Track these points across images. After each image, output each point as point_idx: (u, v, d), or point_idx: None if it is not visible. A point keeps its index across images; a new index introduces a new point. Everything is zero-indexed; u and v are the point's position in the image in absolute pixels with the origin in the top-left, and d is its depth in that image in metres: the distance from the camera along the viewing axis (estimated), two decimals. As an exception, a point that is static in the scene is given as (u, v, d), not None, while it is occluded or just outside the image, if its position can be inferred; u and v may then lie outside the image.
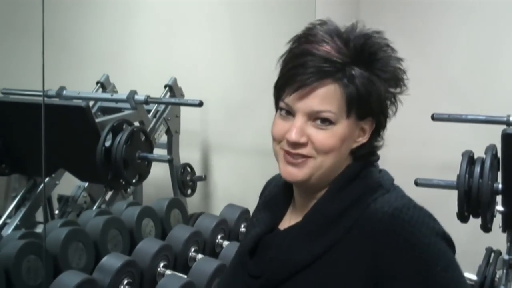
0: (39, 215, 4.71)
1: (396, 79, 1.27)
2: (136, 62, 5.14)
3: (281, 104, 1.27)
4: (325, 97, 1.21)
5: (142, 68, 5.02)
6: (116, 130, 3.95)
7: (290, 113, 1.25)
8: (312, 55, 1.21)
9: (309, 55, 1.21)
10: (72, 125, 4.09)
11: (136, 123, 4.18)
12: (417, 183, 4.06)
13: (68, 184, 4.41)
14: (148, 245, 2.83)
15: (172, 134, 4.59)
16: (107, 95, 4.59)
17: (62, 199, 4.44)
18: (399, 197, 1.26)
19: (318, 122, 1.22)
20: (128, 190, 4.40)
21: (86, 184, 4.40)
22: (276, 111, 1.30)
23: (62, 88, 4.59)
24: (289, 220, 1.34)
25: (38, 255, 2.64)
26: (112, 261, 2.67)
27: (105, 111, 4.45)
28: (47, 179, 4.17)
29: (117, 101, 4.49)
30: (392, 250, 1.17)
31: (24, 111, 4.04)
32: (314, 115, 1.22)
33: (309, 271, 1.20)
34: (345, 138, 1.24)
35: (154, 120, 4.48)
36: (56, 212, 4.49)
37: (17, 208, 4.37)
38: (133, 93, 4.30)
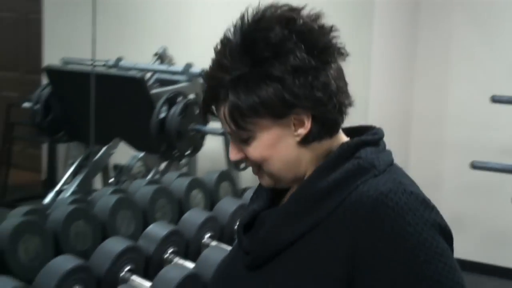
0: (97, 183, 4.82)
1: (302, 60, 1.14)
2: (194, 34, 5.16)
3: None
4: (224, 120, 1.19)
5: (200, 41, 5.03)
6: (171, 102, 3.99)
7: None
8: (206, 83, 1.23)
9: (205, 82, 1.24)
10: (128, 96, 4.15)
11: (192, 96, 4.21)
12: (473, 166, 3.99)
13: (125, 153, 4.48)
14: (195, 216, 2.85)
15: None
16: (163, 67, 4.62)
17: (117, 167, 4.51)
18: (390, 180, 1.16)
19: (242, 140, 1.20)
20: (182, 161, 4.45)
21: (142, 154, 4.46)
22: None
23: (119, 59, 4.64)
24: (286, 199, 1.28)
25: (87, 221, 2.70)
26: (157, 229, 2.70)
27: (162, 83, 4.48)
28: (103, 148, 4.26)
29: (172, 73, 4.52)
30: (371, 238, 1.09)
31: (81, 80, 4.11)
32: (233, 135, 1.21)
33: (292, 250, 1.16)
34: (273, 142, 1.18)
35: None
36: (111, 180, 4.57)
37: (74, 175, 4.47)
38: (189, 66, 4.33)
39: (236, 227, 1.41)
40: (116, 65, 4.62)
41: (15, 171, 6.14)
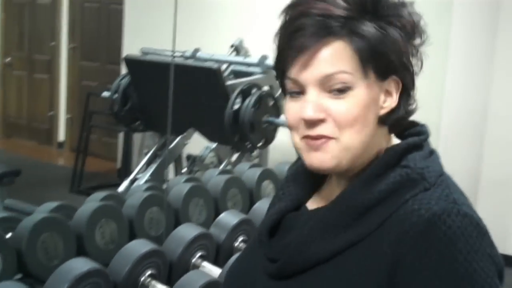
0: (171, 174, 4.90)
1: (412, 26, 1.07)
2: (270, 27, 5.17)
3: (288, 84, 1.08)
4: (333, 57, 1.03)
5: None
6: (245, 93, 4.01)
7: (300, 92, 1.06)
8: (309, 16, 1.03)
9: (306, 16, 1.03)
10: (204, 86, 4.20)
11: (266, 88, 4.23)
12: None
13: (198, 144, 4.53)
14: (265, 206, 2.85)
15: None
16: (238, 59, 4.66)
17: (190, 158, 4.57)
18: (443, 197, 1.02)
19: (334, 91, 1.03)
20: (254, 153, 4.48)
21: (214, 145, 4.51)
22: (285, 96, 1.11)
23: (196, 50, 4.70)
24: (318, 201, 1.16)
25: (161, 207, 2.75)
26: (229, 218, 2.73)
27: (237, 74, 4.51)
28: (177, 138, 4.32)
29: (248, 65, 4.55)
30: (417, 259, 0.98)
31: (158, 70, 4.18)
32: (326, 82, 1.03)
33: (328, 264, 1.04)
34: (369, 103, 1.04)
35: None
36: (184, 170, 4.64)
37: (148, 164, 4.56)
38: (264, 58, 4.35)
39: (259, 227, 1.21)
40: (193, 56, 4.68)
41: (91, 159, 6.30)
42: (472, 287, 0.97)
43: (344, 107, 1.03)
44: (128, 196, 2.94)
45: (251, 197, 3.11)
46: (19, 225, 2.44)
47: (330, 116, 1.03)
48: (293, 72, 1.05)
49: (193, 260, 2.54)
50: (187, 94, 4.20)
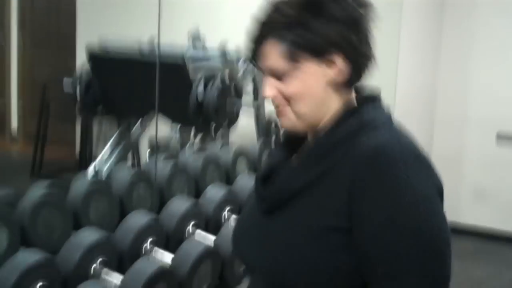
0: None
1: (347, 14, 1.33)
2: (227, 15, 5.33)
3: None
4: (271, 53, 1.34)
5: (232, 21, 5.23)
6: (207, 78, 4.16)
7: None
8: (260, 22, 1.36)
9: (259, 22, 1.36)
10: (169, 78, 4.30)
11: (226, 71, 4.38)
12: (499, 136, 4.12)
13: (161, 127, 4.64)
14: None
15: (257, 82, 4.77)
16: (200, 53, 4.76)
17: (152, 143, 4.67)
18: (388, 133, 1.32)
19: (278, 76, 1.34)
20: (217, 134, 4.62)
21: (178, 127, 4.62)
22: None
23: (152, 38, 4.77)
24: (298, 155, 1.45)
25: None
26: (179, 204, 2.86)
27: (197, 60, 4.63)
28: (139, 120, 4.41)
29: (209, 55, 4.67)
30: (367, 176, 1.25)
31: (123, 65, 4.28)
32: (271, 70, 1.36)
33: (303, 194, 1.32)
34: (309, 80, 1.34)
35: (242, 68, 4.69)
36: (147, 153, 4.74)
37: (110, 149, 4.65)
38: (223, 47, 4.51)
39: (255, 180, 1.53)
40: (152, 47, 4.74)
41: (48, 146, 6.31)
42: (413, 197, 1.22)
43: (286, 87, 1.34)
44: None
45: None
46: None
47: (279, 93, 1.36)
48: (258, 61, 1.39)
49: (144, 246, 2.58)
50: (151, 83, 4.30)
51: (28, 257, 2.18)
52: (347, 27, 1.32)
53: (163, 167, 3.07)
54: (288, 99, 1.35)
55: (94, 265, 2.36)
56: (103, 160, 4.55)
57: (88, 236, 2.39)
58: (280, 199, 1.36)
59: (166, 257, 2.53)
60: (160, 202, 2.89)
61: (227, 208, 2.91)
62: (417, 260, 1.21)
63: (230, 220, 2.86)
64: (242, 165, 3.37)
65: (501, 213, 5.12)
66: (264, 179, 1.44)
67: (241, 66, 4.67)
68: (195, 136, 4.49)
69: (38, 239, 2.43)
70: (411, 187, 1.23)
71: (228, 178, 3.24)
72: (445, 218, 1.26)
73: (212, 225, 2.84)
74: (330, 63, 1.33)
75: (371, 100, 1.39)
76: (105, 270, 2.38)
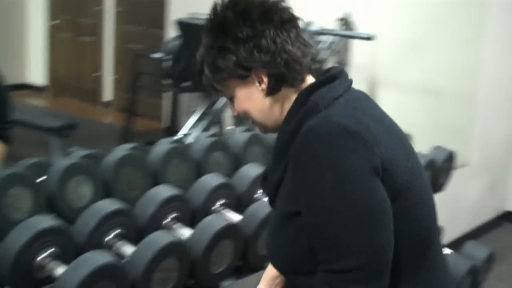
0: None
1: (223, 30, 1.43)
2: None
3: None
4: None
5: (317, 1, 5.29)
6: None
7: None
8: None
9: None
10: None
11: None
12: None
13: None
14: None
15: (343, 66, 4.84)
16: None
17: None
18: (324, 114, 1.37)
19: (231, 99, 1.50)
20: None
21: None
22: None
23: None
24: None
25: (184, 159, 2.88)
26: (251, 170, 2.91)
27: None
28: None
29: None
30: (295, 161, 1.35)
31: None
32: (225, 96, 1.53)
33: (281, 187, 1.46)
34: (247, 97, 1.47)
35: (327, 51, 4.78)
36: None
37: (196, 123, 4.83)
38: (308, 23, 4.60)
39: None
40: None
41: (137, 118, 6.53)
42: (341, 176, 1.28)
43: (236, 106, 1.49)
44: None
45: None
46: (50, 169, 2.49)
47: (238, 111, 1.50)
48: None
49: (213, 208, 2.68)
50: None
51: (108, 205, 2.33)
52: (248, 44, 1.41)
53: (241, 137, 3.18)
54: (244, 115, 1.50)
55: (167, 220, 2.49)
56: (187, 130, 4.76)
57: (164, 192, 2.52)
58: (270, 193, 1.52)
59: (235, 217, 2.65)
60: (234, 169, 2.99)
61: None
62: (341, 233, 1.29)
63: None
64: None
65: None
66: (266, 176, 1.58)
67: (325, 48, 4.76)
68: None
69: (119, 194, 2.57)
70: (333, 165, 1.29)
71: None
72: (371, 191, 1.29)
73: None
74: (255, 79, 1.44)
75: (327, 82, 1.44)
76: (178, 224, 2.51)
